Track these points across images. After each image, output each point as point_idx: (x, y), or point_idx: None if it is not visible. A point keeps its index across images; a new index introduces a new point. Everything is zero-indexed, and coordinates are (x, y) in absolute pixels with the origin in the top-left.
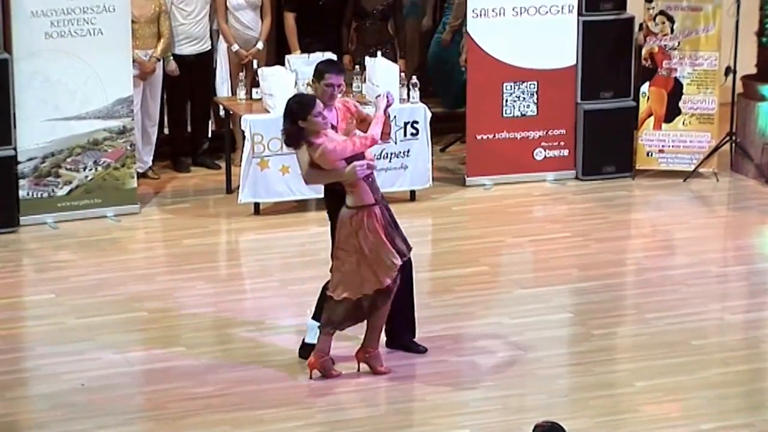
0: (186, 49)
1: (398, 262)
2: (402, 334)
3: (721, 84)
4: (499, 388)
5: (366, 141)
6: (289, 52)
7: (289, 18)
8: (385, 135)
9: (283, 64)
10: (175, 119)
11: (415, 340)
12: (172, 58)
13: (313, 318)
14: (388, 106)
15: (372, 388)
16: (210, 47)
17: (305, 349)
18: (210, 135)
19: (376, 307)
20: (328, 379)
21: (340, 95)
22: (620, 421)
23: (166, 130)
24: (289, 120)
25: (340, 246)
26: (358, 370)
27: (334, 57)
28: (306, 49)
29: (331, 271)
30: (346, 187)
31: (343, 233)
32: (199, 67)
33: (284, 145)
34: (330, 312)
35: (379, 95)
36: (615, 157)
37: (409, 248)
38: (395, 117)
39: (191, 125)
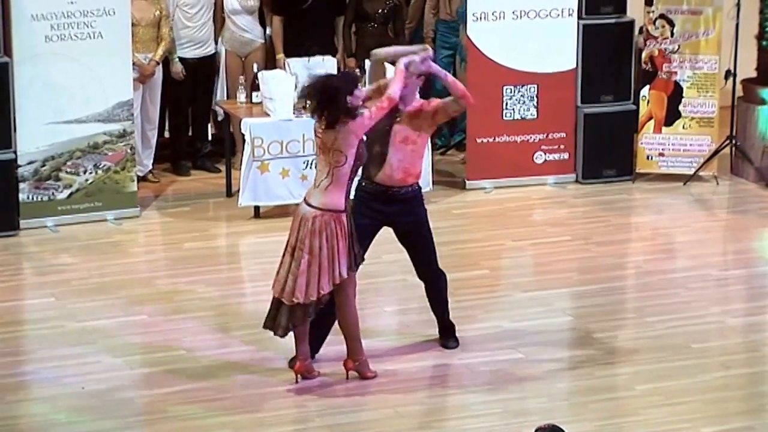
0: (190, 52)
1: (345, 276)
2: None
3: (721, 87)
4: (500, 391)
5: (383, 104)
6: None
7: (276, 21)
8: (460, 97)
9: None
10: (176, 122)
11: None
12: (177, 59)
13: None
14: (424, 60)
15: (372, 392)
16: (213, 51)
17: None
18: (210, 138)
19: (297, 316)
20: (326, 383)
21: None
22: (621, 425)
23: (166, 134)
24: (336, 97)
25: (297, 245)
26: (347, 377)
27: (333, 60)
28: (306, 52)
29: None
30: (328, 183)
31: (301, 231)
32: (202, 70)
33: (324, 126)
34: (282, 317)
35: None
36: (615, 160)
37: (359, 263)
38: None
39: (192, 128)
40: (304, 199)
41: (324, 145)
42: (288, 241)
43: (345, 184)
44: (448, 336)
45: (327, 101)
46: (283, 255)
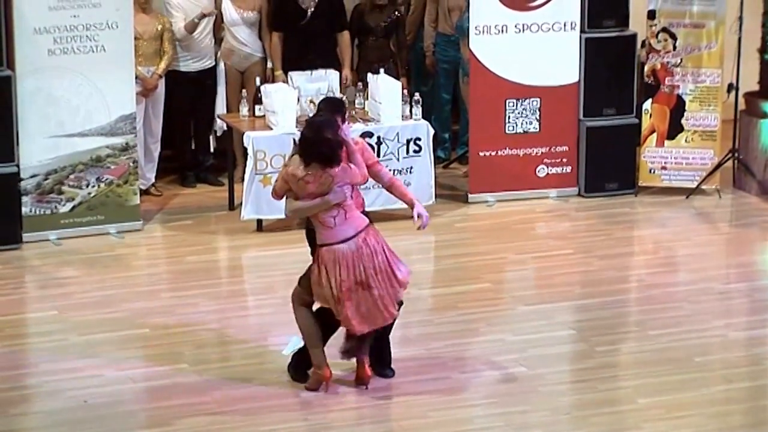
0: (190, 65)
1: (407, 273)
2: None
3: (723, 101)
4: (502, 405)
5: (358, 178)
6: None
7: (274, 37)
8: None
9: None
10: (180, 135)
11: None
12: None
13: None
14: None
15: (374, 405)
16: (213, 63)
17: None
18: (213, 151)
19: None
20: (329, 396)
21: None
22: None
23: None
24: (336, 132)
25: (368, 273)
26: (366, 387)
27: (337, 74)
28: (309, 65)
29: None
30: (344, 215)
31: (365, 262)
32: (203, 83)
33: (324, 165)
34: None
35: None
36: (618, 173)
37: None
38: (398, 134)
39: (195, 141)
40: (329, 244)
41: (321, 191)
42: (351, 283)
43: (353, 207)
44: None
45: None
46: (351, 294)
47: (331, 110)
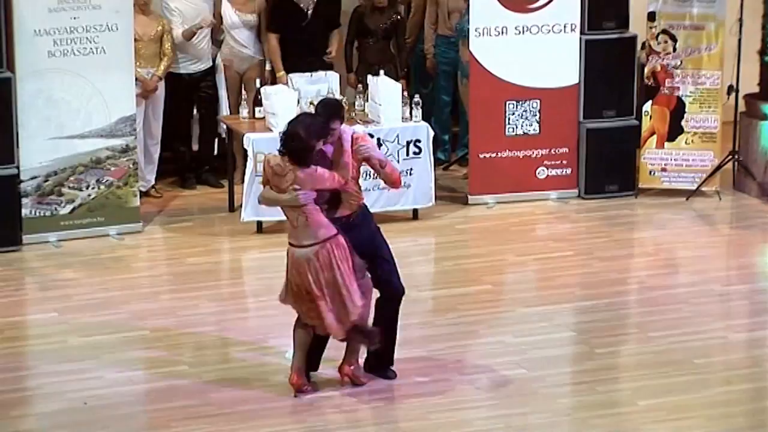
0: (187, 68)
1: (360, 299)
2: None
3: (723, 103)
4: (502, 406)
5: (335, 180)
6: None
7: (272, 39)
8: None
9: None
10: (180, 137)
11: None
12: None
13: None
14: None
15: (374, 407)
16: (211, 65)
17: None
18: (216, 153)
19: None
20: (329, 398)
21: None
22: None
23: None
24: (313, 136)
25: (315, 287)
26: (342, 383)
27: (337, 75)
28: (309, 67)
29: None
30: (305, 219)
31: (312, 275)
32: (202, 85)
33: (292, 162)
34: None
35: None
36: (618, 175)
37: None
38: (398, 136)
39: (199, 142)
40: (292, 245)
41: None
42: (298, 289)
43: (320, 212)
44: (386, 364)
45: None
46: (297, 298)
47: (329, 113)
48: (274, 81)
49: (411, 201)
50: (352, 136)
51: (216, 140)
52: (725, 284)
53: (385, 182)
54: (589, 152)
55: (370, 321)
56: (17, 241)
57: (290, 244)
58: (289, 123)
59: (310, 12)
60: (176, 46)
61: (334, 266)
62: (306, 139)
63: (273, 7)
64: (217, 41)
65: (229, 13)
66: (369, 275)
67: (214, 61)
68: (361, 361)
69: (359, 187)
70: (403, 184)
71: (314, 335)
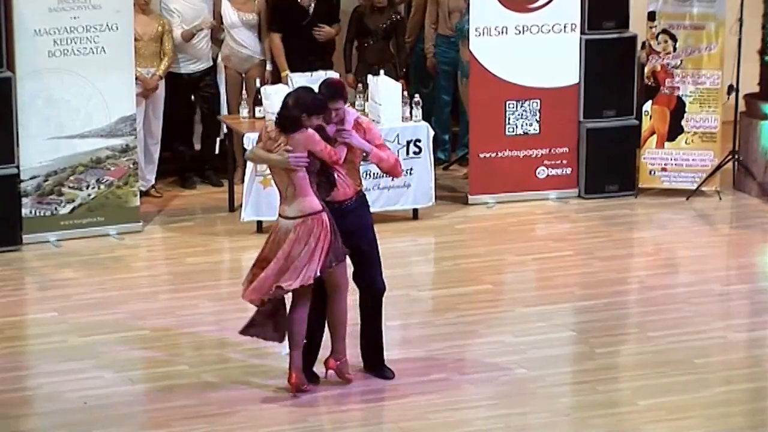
0: (187, 67)
1: (314, 277)
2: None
3: (723, 102)
4: (502, 406)
5: (332, 154)
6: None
7: (275, 38)
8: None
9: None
10: (180, 136)
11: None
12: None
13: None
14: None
15: (374, 407)
16: (210, 65)
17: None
18: (217, 152)
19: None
20: (328, 397)
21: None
22: None
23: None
24: (302, 108)
25: (270, 255)
26: (326, 376)
27: (336, 75)
28: (309, 67)
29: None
30: (293, 191)
31: (280, 243)
32: (202, 84)
33: (280, 131)
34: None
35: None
36: (618, 175)
37: (346, 253)
38: (398, 135)
39: (201, 142)
40: (280, 215)
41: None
42: (266, 258)
43: (309, 186)
44: (378, 363)
45: (292, 110)
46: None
47: (330, 93)
48: (274, 81)
49: (411, 201)
50: (355, 120)
51: (218, 139)
52: (725, 284)
53: (385, 173)
54: (589, 152)
55: (351, 320)
56: (17, 240)
57: (279, 215)
58: (287, 94)
59: (311, 10)
60: (176, 46)
61: (309, 240)
62: (292, 108)
63: (273, 7)
64: (217, 41)
65: (228, 12)
66: (346, 271)
67: (214, 60)
68: (359, 361)
69: (358, 174)
70: (402, 170)
71: (307, 340)
